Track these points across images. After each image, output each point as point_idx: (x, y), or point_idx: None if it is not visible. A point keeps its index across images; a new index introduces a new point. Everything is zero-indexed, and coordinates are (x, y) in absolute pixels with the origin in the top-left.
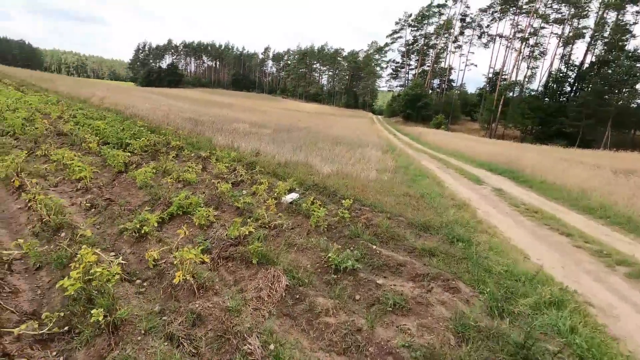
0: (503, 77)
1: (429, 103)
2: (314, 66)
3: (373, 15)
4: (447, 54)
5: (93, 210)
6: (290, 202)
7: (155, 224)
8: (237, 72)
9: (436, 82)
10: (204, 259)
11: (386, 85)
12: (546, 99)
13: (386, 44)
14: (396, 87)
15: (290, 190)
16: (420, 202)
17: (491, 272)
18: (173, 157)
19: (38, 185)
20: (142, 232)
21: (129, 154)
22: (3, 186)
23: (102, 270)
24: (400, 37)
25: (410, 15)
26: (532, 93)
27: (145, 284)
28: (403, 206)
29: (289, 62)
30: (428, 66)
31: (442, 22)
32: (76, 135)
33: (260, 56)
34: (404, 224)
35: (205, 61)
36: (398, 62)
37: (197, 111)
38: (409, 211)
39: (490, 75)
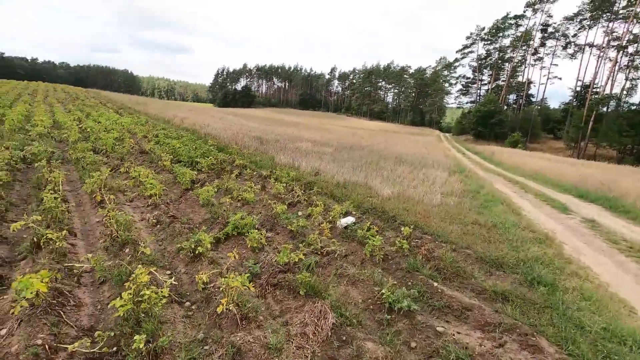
0: (594, 90)
1: (503, 120)
2: (379, 84)
3: (441, 32)
4: (525, 67)
5: (158, 226)
6: (345, 227)
7: (209, 245)
8: (305, 92)
9: (512, 97)
10: (250, 287)
11: (455, 101)
12: None
13: (456, 60)
14: (466, 103)
15: (346, 214)
16: (492, 232)
17: (584, 328)
18: (236, 175)
19: (116, 201)
20: (197, 252)
21: (197, 172)
22: (89, 200)
23: (151, 293)
24: (472, 51)
25: (483, 28)
26: (633, 107)
27: (193, 307)
28: (471, 237)
29: (354, 80)
30: (503, 81)
31: (519, 34)
32: (154, 154)
33: (327, 76)
34: (471, 258)
35: (276, 82)
36: (469, 78)
37: (264, 130)
38: (478, 243)
39: (578, 88)
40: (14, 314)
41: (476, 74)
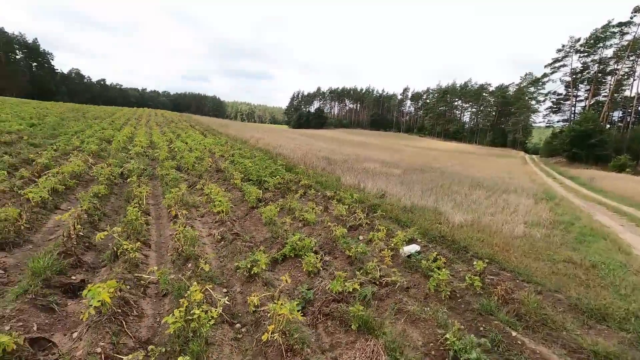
0: None
1: (605, 140)
2: (455, 103)
3: (525, 46)
4: (634, 79)
5: (222, 242)
6: (409, 256)
7: (264, 266)
8: (376, 112)
9: (617, 114)
10: (298, 316)
11: (544, 120)
12: None
13: (544, 75)
14: (557, 122)
15: (411, 241)
16: (590, 274)
17: None
18: (300, 195)
19: (188, 215)
20: (252, 272)
21: (264, 190)
22: (167, 214)
23: (200, 312)
24: (564, 65)
25: (579, 39)
26: None
27: (243, 329)
28: (563, 278)
29: (428, 100)
30: (604, 96)
31: (625, 44)
32: (228, 172)
33: (399, 97)
34: (563, 304)
35: (347, 104)
36: (560, 94)
37: (333, 150)
38: (572, 287)
39: None
40: (83, 320)
41: (570, 89)
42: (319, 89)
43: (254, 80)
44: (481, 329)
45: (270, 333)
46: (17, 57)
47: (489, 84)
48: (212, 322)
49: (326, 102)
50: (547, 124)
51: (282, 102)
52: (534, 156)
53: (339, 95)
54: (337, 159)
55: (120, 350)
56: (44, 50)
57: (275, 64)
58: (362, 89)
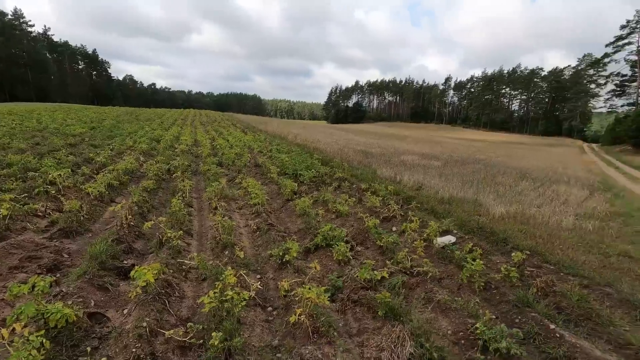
0: None
1: None
2: (502, 91)
3: (583, 27)
4: None
5: (257, 232)
6: (443, 247)
7: (295, 254)
8: (416, 104)
9: None
10: (325, 300)
11: (605, 104)
12: None
13: (606, 55)
14: (622, 106)
15: (446, 232)
16: None
17: None
18: (335, 187)
19: (227, 207)
20: (284, 259)
21: (299, 183)
22: (208, 206)
23: (233, 294)
24: (629, 42)
25: None
26: None
27: (274, 312)
28: (615, 272)
29: (472, 89)
30: None
31: None
32: (265, 167)
33: (441, 87)
34: (612, 299)
35: (386, 97)
36: (625, 75)
37: (371, 144)
38: (626, 281)
39: None
40: (132, 298)
41: (636, 69)
42: (357, 82)
43: (293, 77)
44: (516, 320)
45: (297, 315)
46: (80, 67)
47: (541, 69)
48: (244, 303)
49: (365, 95)
50: (610, 109)
51: (321, 98)
52: (593, 145)
53: (377, 88)
54: (374, 152)
55: (163, 326)
56: (102, 59)
57: (314, 60)
58: (401, 81)
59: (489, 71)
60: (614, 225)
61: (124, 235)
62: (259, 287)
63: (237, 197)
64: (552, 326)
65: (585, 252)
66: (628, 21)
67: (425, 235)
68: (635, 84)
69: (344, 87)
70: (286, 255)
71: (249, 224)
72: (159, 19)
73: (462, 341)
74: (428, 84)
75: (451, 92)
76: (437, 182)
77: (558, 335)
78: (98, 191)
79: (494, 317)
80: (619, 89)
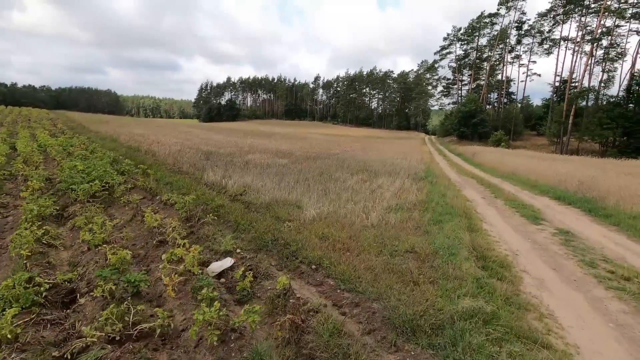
0: (573, 84)
1: (485, 119)
2: (364, 90)
3: (425, 35)
4: (504, 65)
5: None
6: (219, 275)
7: None
8: (290, 102)
9: (494, 96)
10: None
11: (437, 103)
12: (630, 105)
13: (435, 61)
14: (448, 104)
15: (227, 253)
16: (424, 266)
17: None
18: (125, 203)
19: None
20: None
21: (72, 201)
22: None
23: None
24: (450, 52)
25: (460, 29)
26: (612, 100)
27: None
28: (393, 277)
29: (338, 88)
30: (483, 80)
31: (495, 33)
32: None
33: (311, 85)
34: (375, 320)
35: (261, 94)
36: (449, 79)
37: (226, 142)
38: (397, 288)
39: (557, 83)
40: None
41: (456, 74)
42: (229, 79)
43: (158, 71)
44: None
45: None
46: None
47: (392, 71)
48: None
49: (238, 93)
50: (440, 107)
51: (192, 94)
52: (432, 137)
53: (250, 85)
54: (221, 152)
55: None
56: None
57: (182, 54)
58: (273, 79)
59: (351, 72)
60: (416, 215)
61: None
62: None
63: None
64: None
65: (377, 253)
66: (448, 34)
67: (188, 264)
68: (456, 86)
69: (215, 84)
70: None
71: None
72: None
73: None
74: (300, 82)
75: (320, 90)
76: (267, 183)
77: None
78: None
79: None
80: (445, 90)
